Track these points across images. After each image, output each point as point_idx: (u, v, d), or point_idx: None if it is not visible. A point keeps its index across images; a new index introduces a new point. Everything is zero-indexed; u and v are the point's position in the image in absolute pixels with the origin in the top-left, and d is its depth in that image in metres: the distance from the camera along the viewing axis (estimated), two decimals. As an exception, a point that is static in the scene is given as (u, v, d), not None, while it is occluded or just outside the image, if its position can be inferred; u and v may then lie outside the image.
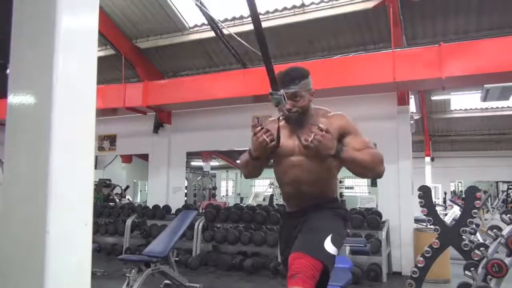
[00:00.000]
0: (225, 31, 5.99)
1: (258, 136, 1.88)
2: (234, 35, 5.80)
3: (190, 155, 11.36)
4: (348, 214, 2.13)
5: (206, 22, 6.22)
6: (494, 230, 3.23)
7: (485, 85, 6.37)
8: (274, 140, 1.89)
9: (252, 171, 2.08)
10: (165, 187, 7.61)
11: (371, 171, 1.90)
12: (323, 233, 1.86)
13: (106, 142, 8.21)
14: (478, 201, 3.90)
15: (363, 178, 2.24)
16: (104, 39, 6.63)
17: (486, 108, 10.56)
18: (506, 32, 5.57)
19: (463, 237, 3.83)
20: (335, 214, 1.99)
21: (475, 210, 3.86)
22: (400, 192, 5.88)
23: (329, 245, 1.82)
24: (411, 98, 7.09)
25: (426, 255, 3.82)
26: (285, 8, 5.97)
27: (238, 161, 17.42)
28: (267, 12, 6.01)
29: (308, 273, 1.70)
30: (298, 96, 1.94)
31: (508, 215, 3.40)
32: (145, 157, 9.58)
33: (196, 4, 5.50)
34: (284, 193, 2.10)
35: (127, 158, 12.39)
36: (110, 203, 9.20)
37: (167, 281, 4.67)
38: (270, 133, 1.88)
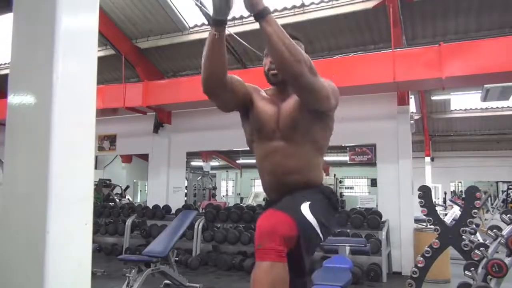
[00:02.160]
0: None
1: None
2: (234, 35, 5.80)
3: (190, 155, 11.35)
4: (332, 194, 1.82)
5: (206, 22, 6.23)
6: (494, 230, 3.23)
7: (485, 85, 6.37)
8: None
9: (213, 48, 1.59)
10: (165, 187, 7.61)
11: (292, 62, 1.50)
12: (298, 200, 1.62)
13: (106, 142, 8.21)
14: (478, 201, 3.90)
15: (282, 72, 1.71)
16: (104, 39, 6.63)
17: (486, 108, 10.56)
18: (506, 32, 5.57)
19: (463, 237, 3.83)
20: (314, 190, 1.76)
21: (475, 210, 3.86)
22: (400, 192, 5.88)
23: (305, 210, 1.57)
24: (411, 98, 7.10)
25: (426, 255, 3.82)
26: (285, 8, 5.97)
27: (238, 161, 17.46)
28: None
29: (276, 233, 1.44)
30: None
31: (508, 215, 3.40)
32: (145, 157, 9.58)
33: (196, 4, 5.51)
34: (264, 182, 1.85)
35: (127, 158, 12.39)
36: (110, 203, 9.20)
37: (167, 281, 4.66)
38: None
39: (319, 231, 1.60)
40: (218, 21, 1.58)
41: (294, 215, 1.53)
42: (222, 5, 1.53)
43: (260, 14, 1.50)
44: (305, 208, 1.58)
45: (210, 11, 5.66)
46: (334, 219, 1.83)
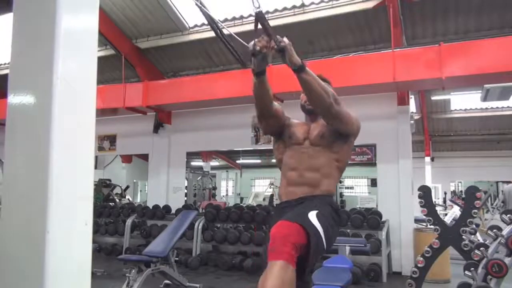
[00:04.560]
0: (225, 31, 5.99)
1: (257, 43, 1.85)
2: (234, 35, 5.80)
3: (190, 155, 11.35)
4: (338, 206, 2.14)
5: (206, 22, 6.23)
6: (494, 230, 3.24)
7: (485, 85, 6.37)
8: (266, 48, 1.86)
9: (258, 90, 2.03)
10: (165, 187, 7.61)
11: (326, 98, 1.91)
12: (308, 209, 1.87)
13: (106, 142, 8.21)
14: (478, 201, 3.89)
15: (316, 108, 2.10)
16: (104, 39, 6.63)
17: (486, 108, 10.56)
18: (506, 32, 5.57)
19: (463, 237, 3.82)
20: (323, 201, 1.99)
21: (475, 210, 3.86)
22: (400, 192, 5.88)
23: (313, 217, 1.81)
24: (411, 98, 7.09)
25: (426, 255, 3.82)
26: (285, 8, 5.97)
27: (238, 161, 17.46)
28: (267, 12, 6.01)
29: (289, 240, 1.65)
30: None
31: (508, 215, 3.41)
32: (145, 157, 9.58)
33: (196, 4, 5.50)
34: (285, 179, 2.12)
35: (127, 158, 12.39)
36: (110, 203, 9.20)
37: (167, 281, 4.66)
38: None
39: (324, 240, 1.81)
40: (257, 73, 1.96)
41: (304, 223, 1.75)
42: (260, 62, 1.91)
43: (301, 69, 1.88)
44: (312, 217, 1.81)
45: (210, 11, 5.67)
46: (336, 232, 2.07)
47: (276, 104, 2.16)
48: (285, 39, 1.88)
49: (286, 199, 2.07)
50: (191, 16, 6.52)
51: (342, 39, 6.45)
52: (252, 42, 1.84)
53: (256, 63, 1.91)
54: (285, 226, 1.72)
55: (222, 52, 6.98)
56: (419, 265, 3.80)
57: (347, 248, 3.75)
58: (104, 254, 7.02)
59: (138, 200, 14.08)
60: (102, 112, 7.07)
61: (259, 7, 1.83)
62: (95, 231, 7.05)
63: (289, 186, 2.08)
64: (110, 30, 6.65)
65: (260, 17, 1.83)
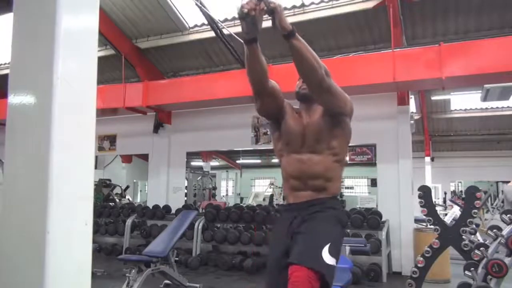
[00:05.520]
0: (225, 31, 5.99)
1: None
2: (234, 35, 5.80)
3: (190, 155, 11.35)
4: (345, 218, 2.11)
5: (206, 22, 6.22)
6: (494, 230, 3.24)
7: (485, 85, 6.37)
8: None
9: (250, 61, 1.89)
10: (165, 187, 7.61)
11: (317, 69, 1.82)
12: (321, 241, 1.85)
13: (106, 142, 8.21)
14: (478, 201, 3.89)
15: (307, 81, 1.98)
16: (104, 39, 6.63)
17: (486, 108, 10.57)
18: (506, 32, 5.57)
19: (463, 237, 3.82)
20: (334, 218, 1.98)
21: (475, 210, 3.86)
22: (400, 192, 5.88)
23: (327, 256, 1.80)
24: (411, 98, 7.09)
25: (426, 255, 3.82)
26: (285, 8, 5.97)
27: (238, 161, 17.46)
28: (267, 12, 6.01)
29: (306, 286, 1.69)
30: None
31: (508, 215, 3.41)
32: (145, 157, 9.58)
33: (196, 4, 5.50)
34: (288, 184, 2.07)
35: (127, 158, 12.39)
36: (110, 203, 9.20)
37: (167, 281, 4.66)
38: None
39: (335, 264, 1.84)
40: (248, 40, 1.82)
41: (318, 267, 1.75)
42: (250, 27, 1.77)
43: (291, 34, 1.77)
44: (326, 255, 1.80)
45: (210, 11, 5.68)
46: (343, 238, 2.08)
47: (272, 81, 2.02)
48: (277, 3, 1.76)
49: (293, 201, 2.04)
50: (191, 16, 6.52)
51: (342, 39, 6.45)
52: (239, 5, 1.72)
53: (246, 28, 1.76)
54: (299, 275, 1.72)
55: (222, 52, 6.98)
56: (419, 265, 3.80)
57: (347, 248, 3.74)
58: (104, 254, 7.02)
59: (138, 200, 14.09)
60: (102, 112, 7.07)
61: None
62: (95, 231, 7.05)
63: (294, 191, 2.05)
64: (110, 30, 6.65)
65: None
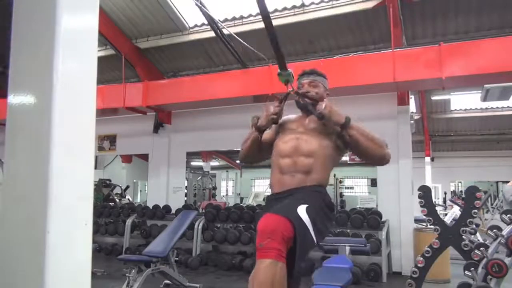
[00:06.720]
0: (225, 31, 5.99)
1: (271, 110, 2.07)
2: (234, 35, 5.80)
3: (190, 155, 11.35)
4: (330, 199, 2.07)
5: (206, 22, 6.22)
6: (494, 230, 3.23)
7: (485, 85, 6.37)
8: (277, 115, 2.11)
9: (250, 146, 2.20)
10: (165, 187, 7.61)
11: (377, 149, 1.92)
12: (297, 202, 1.82)
13: (106, 142, 8.21)
14: (478, 201, 3.89)
15: (367, 160, 2.08)
16: (104, 39, 6.63)
17: (486, 108, 10.57)
18: (506, 32, 5.57)
19: (463, 237, 3.82)
20: (318, 194, 1.95)
21: (475, 210, 3.85)
22: (400, 192, 5.88)
23: (301, 211, 1.75)
24: (411, 98, 7.09)
25: (426, 255, 3.82)
26: (285, 8, 5.97)
27: (237, 161, 17.44)
28: (267, 12, 6.01)
29: (276, 235, 1.61)
30: (316, 85, 2.17)
31: (508, 215, 3.41)
32: (145, 157, 9.58)
33: (196, 4, 5.50)
34: (277, 168, 2.08)
35: (127, 158, 12.39)
36: (110, 203, 9.20)
37: (167, 281, 4.66)
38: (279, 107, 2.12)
39: (312, 233, 1.75)
40: (262, 130, 2.13)
41: (291, 216, 1.69)
42: (269, 124, 2.14)
43: (346, 125, 1.87)
44: (301, 210, 1.74)
45: (210, 11, 5.67)
46: (328, 226, 2.02)
47: (264, 137, 2.22)
48: (323, 104, 1.91)
49: (278, 190, 2.03)
50: (191, 16, 6.52)
51: (342, 39, 6.45)
52: (272, 110, 2.05)
53: (265, 124, 2.10)
54: (271, 220, 1.67)
55: (222, 52, 6.98)
56: (419, 265, 3.80)
57: (347, 248, 3.74)
58: (104, 254, 7.02)
59: (138, 200, 14.08)
60: (102, 112, 7.07)
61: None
62: (95, 231, 7.05)
63: (281, 174, 2.04)
64: (110, 30, 6.65)
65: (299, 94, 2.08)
